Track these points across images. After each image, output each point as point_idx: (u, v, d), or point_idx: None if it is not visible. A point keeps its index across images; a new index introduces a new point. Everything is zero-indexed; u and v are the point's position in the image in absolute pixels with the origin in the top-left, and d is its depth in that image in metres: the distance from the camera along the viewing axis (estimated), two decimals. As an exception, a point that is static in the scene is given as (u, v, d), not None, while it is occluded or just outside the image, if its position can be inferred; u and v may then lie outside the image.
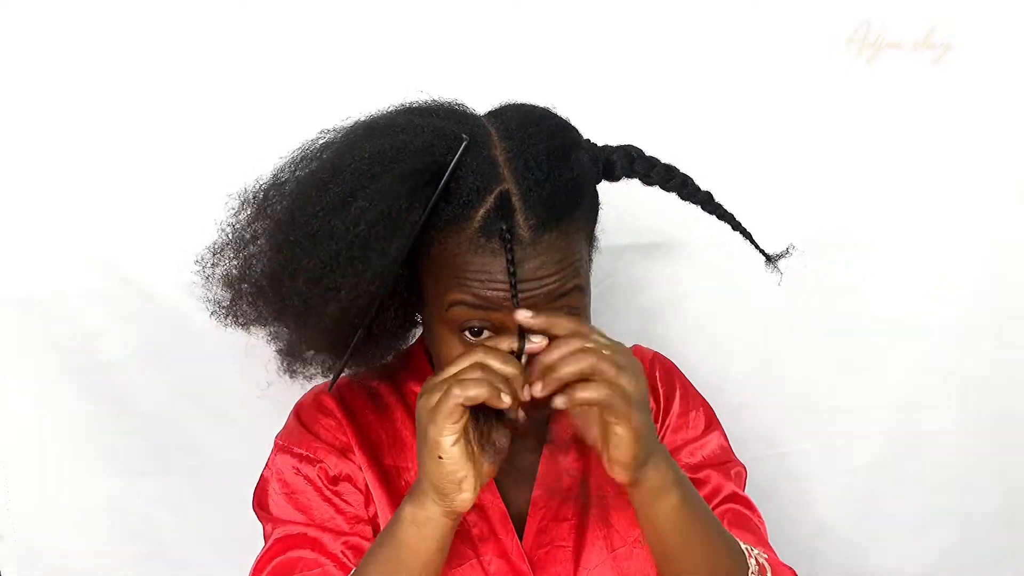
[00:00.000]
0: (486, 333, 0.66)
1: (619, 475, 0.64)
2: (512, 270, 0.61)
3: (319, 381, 0.81)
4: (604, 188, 0.75)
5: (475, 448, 0.63)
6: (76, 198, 0.96)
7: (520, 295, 0.62)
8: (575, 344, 0.61)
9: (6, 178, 0.94)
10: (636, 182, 0.75)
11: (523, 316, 0.62)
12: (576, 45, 1.01)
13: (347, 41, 0.98)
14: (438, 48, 0.99)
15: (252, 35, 0.96)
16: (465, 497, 0.63)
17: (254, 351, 0.77)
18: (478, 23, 1.00)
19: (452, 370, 0.61)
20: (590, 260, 0.73)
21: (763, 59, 1.03)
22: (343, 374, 0.77)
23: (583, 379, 0.60)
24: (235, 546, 0.95)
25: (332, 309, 0.65)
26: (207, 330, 0.91)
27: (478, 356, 0.61)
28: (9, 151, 0.94)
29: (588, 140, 0.73)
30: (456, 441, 0.60)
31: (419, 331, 0.81)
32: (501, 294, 0.63)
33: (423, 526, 0.64)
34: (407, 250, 0.64)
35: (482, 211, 0.63)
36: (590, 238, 0.72)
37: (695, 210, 0.76)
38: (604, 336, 0.64)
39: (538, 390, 0.61)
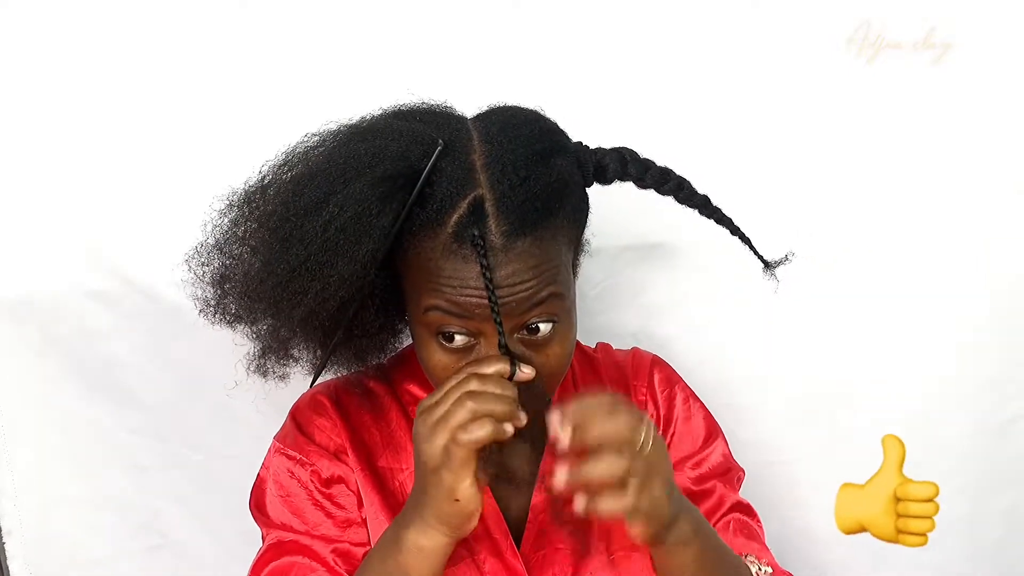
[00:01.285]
0: (459, 338, 0.66)
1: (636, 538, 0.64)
2: (489, 276, 0.61)
3: (296, 383, 0.81)
4: (602, 190, 0.75)
5: (480, 476, 0.63)
6: (76, 197, 0.96)
7: (497, 298, 0.62)
8: (625, 434, 0.60)
9: (6, 178, 0.95)
10: (630, 191, 0.74)
11: (555, 423, 0.60)
12: (574, 45, 1.01)
13: (346, 42, 0.98)
14: (436, 49, 0.99)
15: (252, 37, 0.97)
16: (474, 523, 0.64)
17: (242, 349, 0.78)
18: (477, 24, 1.00)
19: (446, 405, 0.61)
20: (575, 265, 0.73)
21: (763, 59, 1.03)
22: (330, 375, 0.78)
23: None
24: (240, 539, 0.95)
25: (299, 313, 0.66)
26: (208, 325, 0.94)
27: (471, 386, 0.61)
28: (9, 151, 0.95)
29: (579, 143, 0.73)
30: (472, 482, 0.61)
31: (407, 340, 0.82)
32: (474, 300, 0.63)
33: (428, 553, 0.65)
34: (378, 255, 0.64)
35: (455, 216, 0.63)
36: (574, 243, 0.72)
37: (694, 212, 0.76)
38: (648, 424, 0.61)
39: (561, 479, 0.59)
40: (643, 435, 0.60)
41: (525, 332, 0.66)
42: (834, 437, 1.15)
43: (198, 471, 1.08)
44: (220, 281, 0.73)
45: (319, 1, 0.98)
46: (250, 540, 0.80)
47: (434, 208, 0.63)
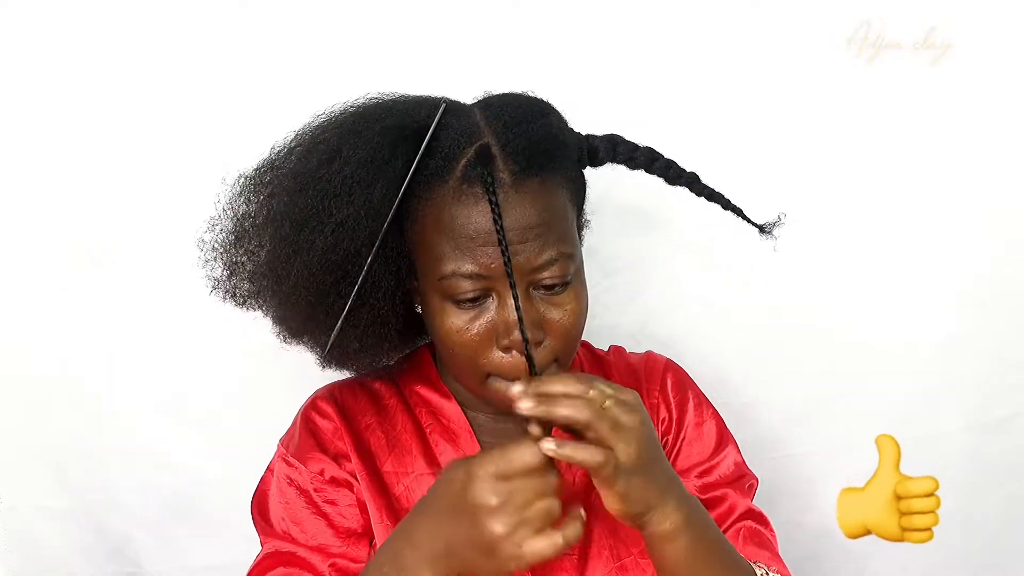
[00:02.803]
0: (473, 293, 0.67)
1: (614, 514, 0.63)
2: (497, 211, 0.62)
3: (289, 398, 0.82)
4: (605, 191, 0.76)
5: None
6: (76, 197, 0.97)
7: (509, 246, 0.63)
8: (578, 387, 0.59)
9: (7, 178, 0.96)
10: (629, 191, 0.75)
11: (524, 400, 0.58)
12: (576, 45, 1.01)
13: (348, 42, 0.98)
14: (438, 49, 0.99)
15: (254, 37, 0.97)
16: None
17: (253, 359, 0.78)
18: (479, 23, 1.00)
19: (523, 496, 0.56)
20: (579, 237, 0.76)
21: (763, 59, 1.03)
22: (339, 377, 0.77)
23: (574, 428, 0.59)
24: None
25: (319, 244, 0.67)
26: (191, 344, 0.98)
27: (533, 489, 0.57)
28: (10, 151, 0.95)
29: (571, 128, 0.75)
30: None
31: (419, 340, 0.83)
32: (490, 251, 0.65)
33: None
34: (391, 203, 0.66)
35: (463, 161, 0.65)
36: (577, 210, 0.74)
37: (695, 211, 0.77)
38: (610, 386, 0.61)
39: (526, 407, 0.58)
40: (598, 392, 0.59)
41: (543, 291, 0.68)
42: (833, 436, 1.15)
43: (173, 496, 1.07)
44: (232, 246, 0.74)
45: (317, 4, 0.98)
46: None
47: (442, 156, 0.66)
